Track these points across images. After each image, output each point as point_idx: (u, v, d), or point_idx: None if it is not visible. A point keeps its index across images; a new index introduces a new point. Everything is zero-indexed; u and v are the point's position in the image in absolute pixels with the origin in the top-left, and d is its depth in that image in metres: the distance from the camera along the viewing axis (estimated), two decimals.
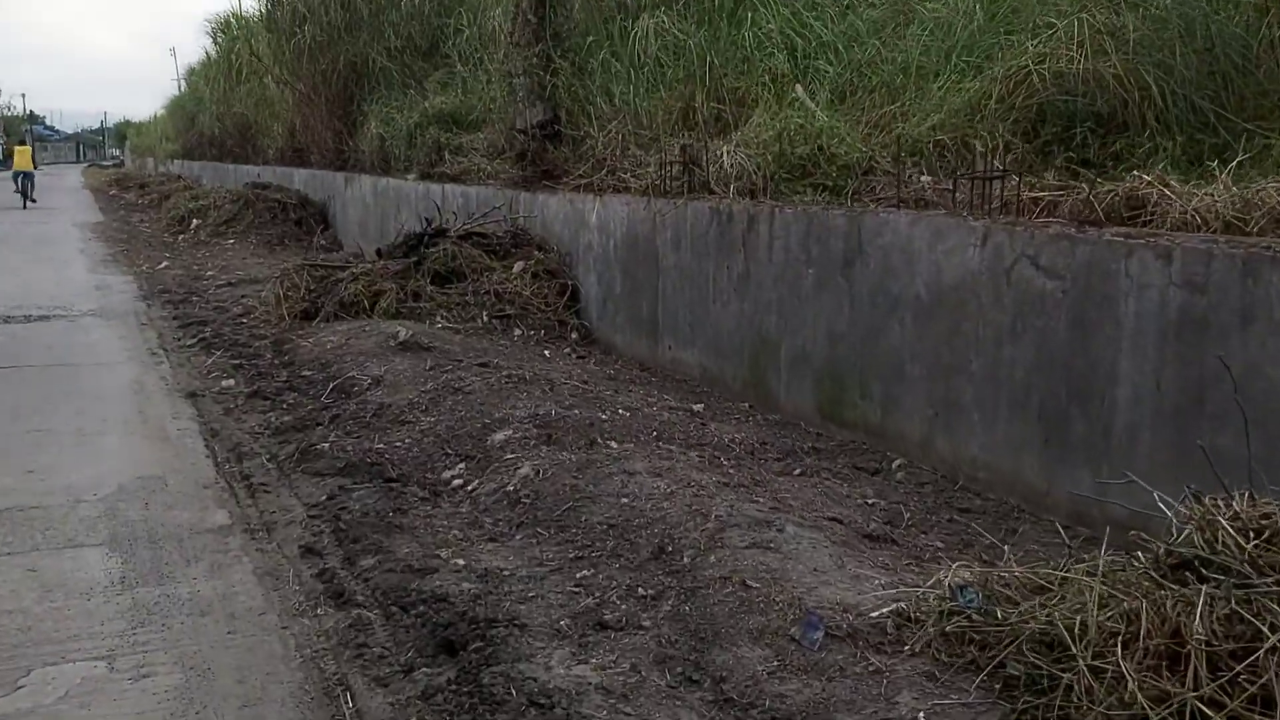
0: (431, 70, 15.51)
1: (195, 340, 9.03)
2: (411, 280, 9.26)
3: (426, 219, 10.17)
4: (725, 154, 8.00)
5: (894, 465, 5.50)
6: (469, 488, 4.84)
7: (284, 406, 6.68)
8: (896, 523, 4.53)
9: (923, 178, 6.44)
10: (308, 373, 7.47)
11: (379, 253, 10.42)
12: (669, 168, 8.10)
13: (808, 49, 9.04)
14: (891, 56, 8.37)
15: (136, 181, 32.91)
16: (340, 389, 6.83)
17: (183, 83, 35.33)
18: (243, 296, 11.23)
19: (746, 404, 6.93)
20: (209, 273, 13.44)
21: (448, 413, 5.81)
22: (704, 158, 7.97)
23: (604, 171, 9.13)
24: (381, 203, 15.08)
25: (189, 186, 25.74)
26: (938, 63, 7.96)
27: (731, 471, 4.87)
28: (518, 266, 9.51)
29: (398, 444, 5.53)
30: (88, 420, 6.48)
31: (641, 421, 5.85)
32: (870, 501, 4.76)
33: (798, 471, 5.16)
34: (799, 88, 8.84)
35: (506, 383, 6.21)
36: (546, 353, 8.51)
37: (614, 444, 5.49)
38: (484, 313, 9.06)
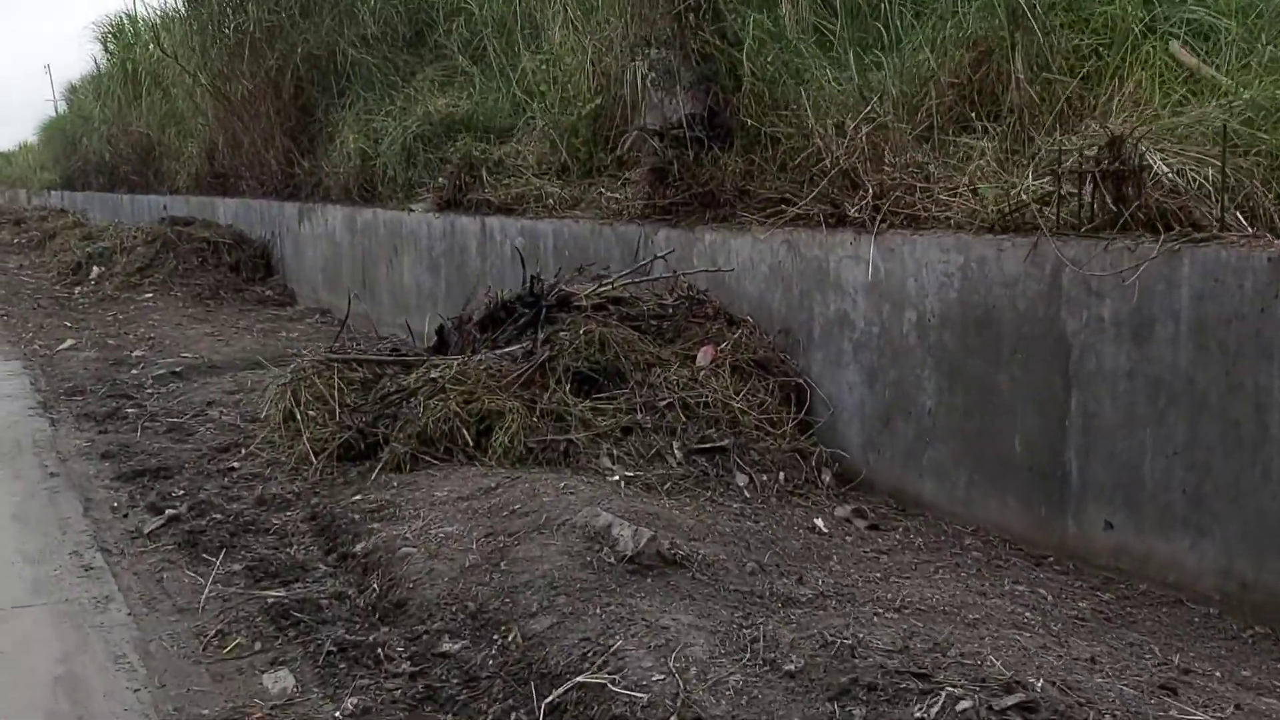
0: (420, 65, 11.35)
1: (161, 521, 4.79)
2: (548, 391, 5.17)
3: (534, 277, 6.07)
4: (1152, 157, 4.22)
5: None
6: None
7: None
8: None
9: None
10: (449, 644, 3.37)
11: (441, 334, 6.28)
12: (1081, 180, 4.24)
13: None
14: None
15: (10, 217, 27.42)
16: None
17: (60, 103, 29.97)
18: (209, 404, 6.92)
19: None
20: (136, 352, 9.02)
21: None
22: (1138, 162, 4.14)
23: (865, 193, 5.20)
24: (365, 243, 10.85)
25: (78, 223, 20.79)
26: None
27: None
28: (704, 355, 5.51)
29: None
30: None
31: None
32: None
33: None
34: (1176, 46, 5.18)
35: None
36: (819, 522, 4.59)
37: None
38: (674, 444, 5.04)
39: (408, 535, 4.10)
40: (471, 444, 5.07)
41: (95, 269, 14.38)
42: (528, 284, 6.07)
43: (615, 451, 4.96)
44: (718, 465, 4.97)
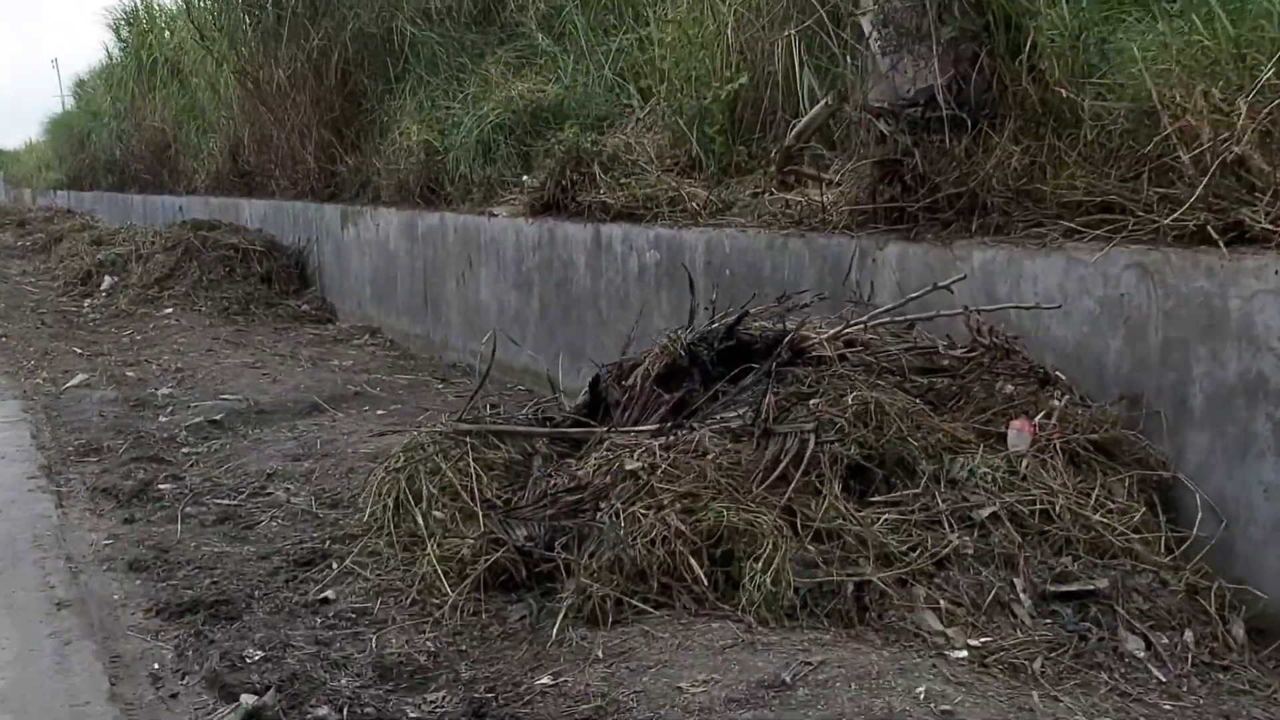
0: (489, 45, 9.50)
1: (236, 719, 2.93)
2: (817, 495, 3.33)
3: (745, 313, 4.22)
4: None
5: None
6: None
7: None
8: None
9: None
10: None
11: (597, 388, 4.44)
12: None
13: None
14: None
15: (14, 218, 25.53)
16: None
17: (68, 98, 28.08)
18: (269, 476, 5.09)
19: None
20: (163, 390, 7.19)
21: None
22: None
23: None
24: (428, 252, 9.03)
25: (86, 225, 18.95)
26: None
27: None
28: (1019, 435, 3.67)
29: None
30: None
31: None
32: None
33: None
34: None
35: None
36: None
37: None
38: (1017, 584, 3.21)
39: None
40: (705, 581, 3.23)
41: (107, 279, 12.56)
42: (731, 321, 4.22)
43: (936, 598, 3.12)
44: (1093, 619, 3.13)
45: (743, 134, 6.74)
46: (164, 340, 9.25)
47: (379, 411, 6.50)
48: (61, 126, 27.78)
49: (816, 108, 5.80)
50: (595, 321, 6.82)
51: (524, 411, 4.27)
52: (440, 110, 9.12)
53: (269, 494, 4.83)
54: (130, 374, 7.76)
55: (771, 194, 5.89)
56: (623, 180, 6.78)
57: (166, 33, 16.70)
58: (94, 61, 31.97)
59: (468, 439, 3.94)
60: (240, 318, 10.73)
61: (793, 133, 5.96)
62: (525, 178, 7.91)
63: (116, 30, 17.64)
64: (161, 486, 5.01)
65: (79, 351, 8.69)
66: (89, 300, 11.92)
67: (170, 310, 10.89)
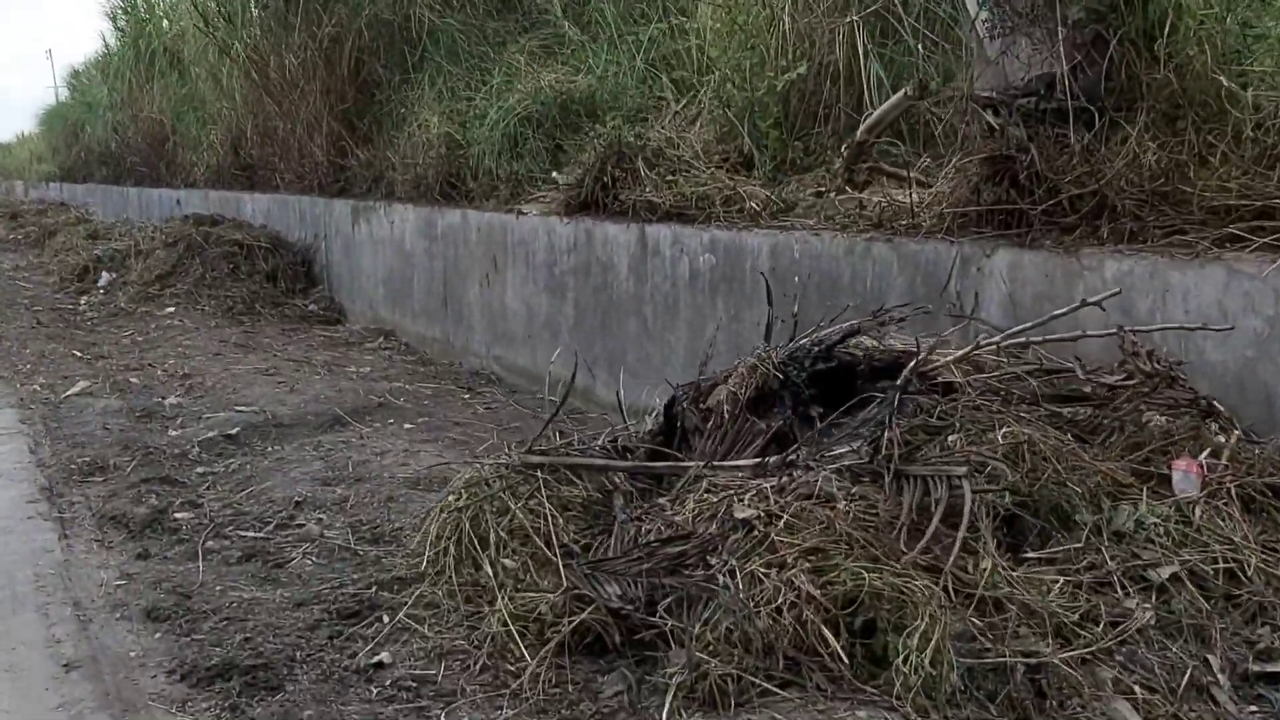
0: (511, 32, 8.94)
1: None
2: (973, 554, 2.78)
3: (853, 329, 3.67)
4: None
5: None
6: None
7: None
8: None
9: None
10: None
11: (672, 411, 3.88)
12: None
13: None
14: None
15: (6, 210, 24.83)
16: None
17: (62, 89, 27.33)
18: (298, 504, 4.52)
19: None
20: (170, 399, 6.60)
21: None
22: None
23: None
24: (448, 252, 8.45)
25: (81, 219, 18.29)
26: None
27: None
28: (1186, 477, 3.13)
29: None
30: None
31: None
32: None
33: None
34: None
35: None
36: None
37: None
38: (1214, 663, 2.68)
39: None
40: (843, 656, 2.68)
41: (105, 275, 11.97)
42: (834, 337, 3.67)
43: (1127, 682, 2.58)
44: None
45: (798, 129, 6.22)
46: (167, 342, 8.66)
47: (407, 425, 5.94)
48: (55, 118, 27.05)
49: (894, 98, 5.26)
50: (639, 329, 6.27)
51: (600, 441, 3.70)
52: (461, 101, 8.56)
53: (300, 525, 4.26)
54: (134, 380, 7.17)
55: (844, 193, 5.36)
56: (669, 178, 6.22)
57: (165, 21, 16.04)
58: (89, 53, 31.27)
59: (538, 473, 3.37)
60: (246, 318, 10.13)
61: (864, 125, 5.42)
62: (556, 174, 7.36)
63: (114, 19, 16.98)
64: (178, 515, 4.43)
65: (78, 354, 8.09)
66: (86, 298, 11.32)
67: (172, 309, 10.30)
